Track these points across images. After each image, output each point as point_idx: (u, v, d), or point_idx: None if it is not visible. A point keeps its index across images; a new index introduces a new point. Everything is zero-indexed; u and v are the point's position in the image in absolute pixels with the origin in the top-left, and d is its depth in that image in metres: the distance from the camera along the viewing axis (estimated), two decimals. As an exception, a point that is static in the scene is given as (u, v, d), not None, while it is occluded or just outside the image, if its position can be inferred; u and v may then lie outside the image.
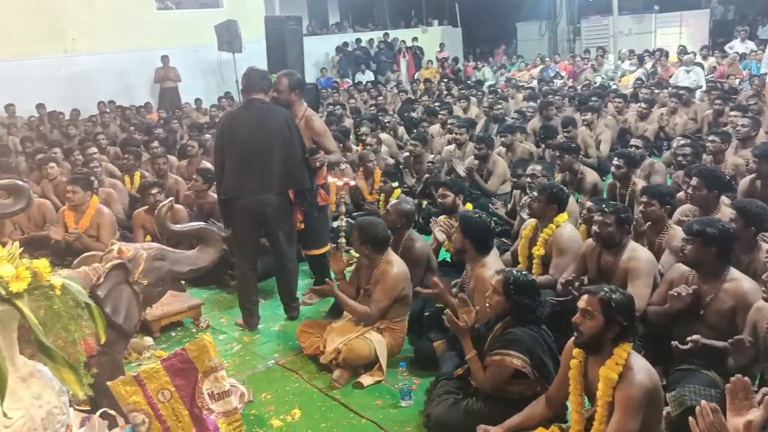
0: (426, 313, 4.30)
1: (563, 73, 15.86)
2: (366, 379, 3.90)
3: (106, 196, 6.25)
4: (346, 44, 18.82)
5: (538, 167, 5.62)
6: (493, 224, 4.01)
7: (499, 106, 9.86)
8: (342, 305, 4.22)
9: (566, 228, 4.34)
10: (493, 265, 3.79)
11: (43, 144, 9.45)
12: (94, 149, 8.07)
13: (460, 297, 3.48)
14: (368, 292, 4.15)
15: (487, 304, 3.30)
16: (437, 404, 3.31)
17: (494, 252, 4.02)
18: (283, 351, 4.43)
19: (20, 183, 5.35)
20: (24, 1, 12.39)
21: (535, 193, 4.50)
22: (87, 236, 5.51)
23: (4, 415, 2.27)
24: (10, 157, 8.28)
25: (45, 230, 5.76)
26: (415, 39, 19.78)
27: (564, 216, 4.38)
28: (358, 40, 18.93)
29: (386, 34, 19.74)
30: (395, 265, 4.10)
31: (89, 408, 3.21)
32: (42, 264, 2.39)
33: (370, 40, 19.26)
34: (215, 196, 6.23)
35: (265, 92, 4.68)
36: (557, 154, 6.20)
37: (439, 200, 5.22)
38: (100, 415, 2.97)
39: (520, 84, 14.46)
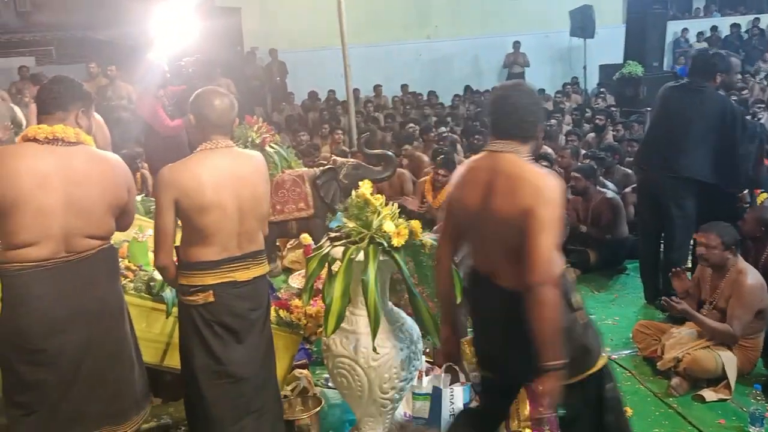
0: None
1: None
2: (709, 394, 3.56)
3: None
4: (712, 29, 17.05)
5: None
6: None
7: None
8: (699, 325, 3.76)
9: None
10: None
11: (403, 121, 10.49)
12: (443, 129, 8.74)
13: None
14: (715, 306, 3.76)
15: None
16: (801, 439, 2.89)
17: None
18: (615, 346, 4.26)
19: (390, 154, 6.10)
20: (398, -8, 13.88)
21: None
22: (435, 210, 5.98)
23: (374, 350, 2.62)
24: (377, 132, 9.39)
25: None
26: (794, 23, 17.01)
27: None
28: (714, 27, 16.97)
29: (756, 19, 17.30)
30: (749, 274, 3.66)
31: (432, 360, 3.54)
32: (416, 224, 2.68)
33: (734, 25, 17.09)
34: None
35: (711, 77, 4.36)
36: None
37: None
38: (445, 369, 3.24)
39: None
